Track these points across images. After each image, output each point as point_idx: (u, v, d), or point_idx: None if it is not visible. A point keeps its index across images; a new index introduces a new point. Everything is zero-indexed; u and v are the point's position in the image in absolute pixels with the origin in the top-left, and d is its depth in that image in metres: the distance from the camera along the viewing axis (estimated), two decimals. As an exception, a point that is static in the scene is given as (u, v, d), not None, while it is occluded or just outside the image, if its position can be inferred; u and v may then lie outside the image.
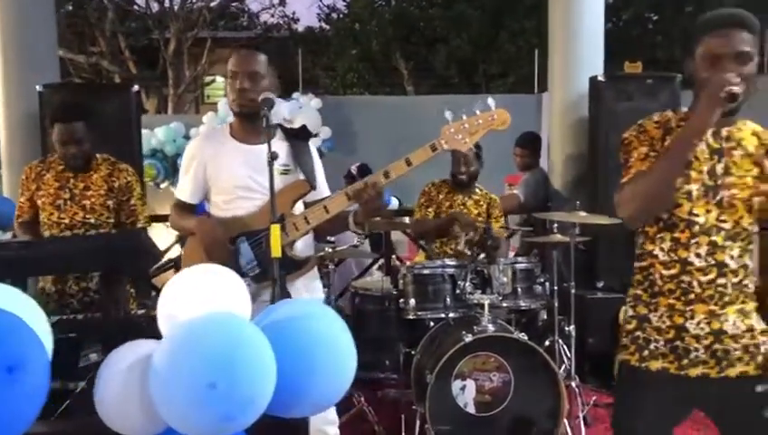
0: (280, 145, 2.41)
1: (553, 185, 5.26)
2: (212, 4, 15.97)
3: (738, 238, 1.85)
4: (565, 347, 3.91)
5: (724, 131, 1.87)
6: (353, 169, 6.11)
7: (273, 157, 2.12)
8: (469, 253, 3.58)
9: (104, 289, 2.49)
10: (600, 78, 4.61)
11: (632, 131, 1.95)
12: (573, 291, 3.78)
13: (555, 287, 3.81)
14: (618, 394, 2.07)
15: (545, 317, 4.10)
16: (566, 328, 3.77)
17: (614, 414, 2.05)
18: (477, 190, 4.16)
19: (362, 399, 3.66)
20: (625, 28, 15.63)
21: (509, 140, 5.35)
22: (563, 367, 3.86)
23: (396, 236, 5.88)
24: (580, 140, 4.94)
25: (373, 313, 3.86)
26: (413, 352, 3.54)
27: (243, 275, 2.36)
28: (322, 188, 2.53)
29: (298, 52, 12.07)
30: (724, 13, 1.84)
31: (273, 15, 18.90)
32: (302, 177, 2.44)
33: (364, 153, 9.54)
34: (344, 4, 17.76)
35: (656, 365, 1.90)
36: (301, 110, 10.21)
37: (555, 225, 3.86)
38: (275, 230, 2.06)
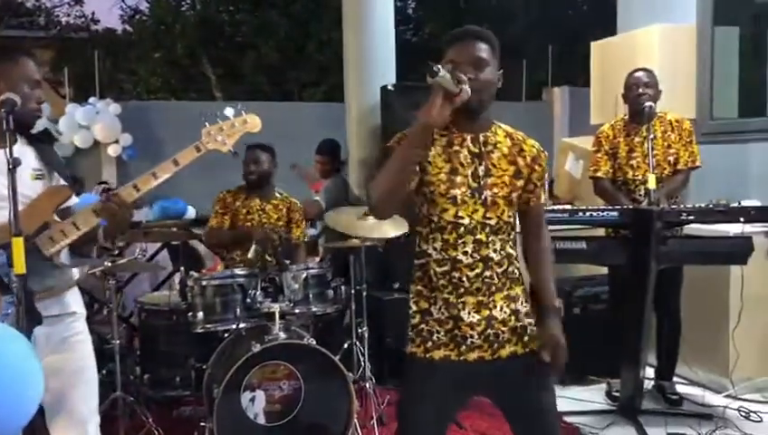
0: (25, 149, 2.22)
1: (353, 190, 5.37)
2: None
3: (501, 232, 2.02)
4: (362, 349, 3.98)
5: (481, 137, 2.03)
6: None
7: (15, 163, 1.94)
8: (260, 261, 3.53)
9: None
10: (390, 87, 4.79)
11: (395, 140, 2.04)
12: (365, 293, 3.87)
13: (352, 291, 3.88)
14: (404, 385, 2.15)
15: (348, 321, 4.16)
16: (359, 330, 3.85)
17: (400, 404, 2.14)
18: (277, 195, 4.13)
19: (150, 419, 3.47)
20: (428, 40, 16.42)
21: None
22: (360, 369, 3.93)
23: (202, 247, 5.67)
24: (375, 146, 5.10)
25: (161, 328, 3.69)
26: (204, 367, 3.42)
27: (8, 290, 2.14)
28: None
29: (95, 54, 11.30)
30: (463, 28, 2.03)
31: (69, 15, 17.60)
32: (59, 181, 2.26)
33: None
34: (147, 6, 16.97)
35: (439, 354, 2.01)
36: (98, 115, 9.59)
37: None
38: (18, 244, 1.88)
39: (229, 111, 2.25)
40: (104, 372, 3.62)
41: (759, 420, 3.69)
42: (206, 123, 2.23)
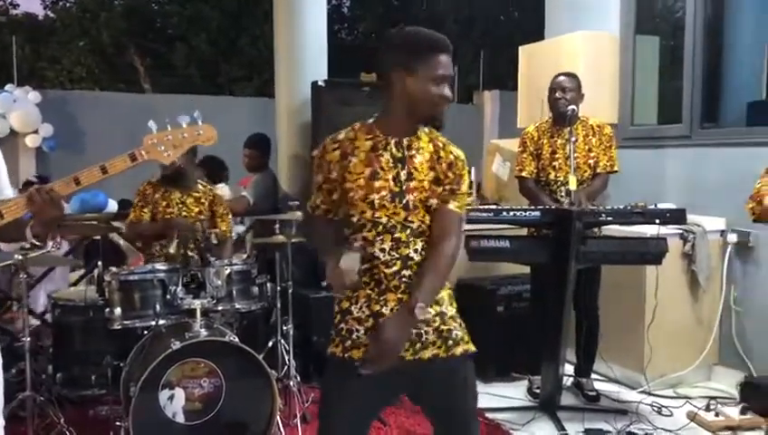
0: None
1: (282, 187, 5.31)
2: None
3: (423, 235, 2.01)
4: (287, 347, 3.93)
5: (405, 141, 2.02)
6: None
7: None
8: (181, 256, 3.44)
9: None
10: (321, 83, 4.76)
11: (318, 152, 2.06)
12: (291, 290, 3.82)
13: (278, 288, 3.83)
14: (325, 386, 2.13)
15: (274, 319, 4.10)
16: (284, 328, 3.80)
17: (321, 406, 2.10)
18: (199, 187, 4.03)
19: (62, 419, 3.33)
20: (363, 40, 16.46)
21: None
22: (285, 367, 3.88)
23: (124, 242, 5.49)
24: (305, 142, 5.06)
25: (76, 325, 3.54)
26: (122, 365, 3.31)
27: None
28: (4, 189, 2.21)
29: (13, 39, 10.82)
30: (439, 38, 1.98)
31: (-16, -2, 16.78)
32: None
33: (94, 153, 8.75)
34: (72, -9, 16.36)
35: (357, 354, 1.98)
36: (15, 103, 9.18)
37: (277, 225, 3.88)
38: None
39: (183, 119, 2.05)
40: (14, 371, 3.46)
41: (670, 414, 3.84)
42: (153, 129, 2.03)
